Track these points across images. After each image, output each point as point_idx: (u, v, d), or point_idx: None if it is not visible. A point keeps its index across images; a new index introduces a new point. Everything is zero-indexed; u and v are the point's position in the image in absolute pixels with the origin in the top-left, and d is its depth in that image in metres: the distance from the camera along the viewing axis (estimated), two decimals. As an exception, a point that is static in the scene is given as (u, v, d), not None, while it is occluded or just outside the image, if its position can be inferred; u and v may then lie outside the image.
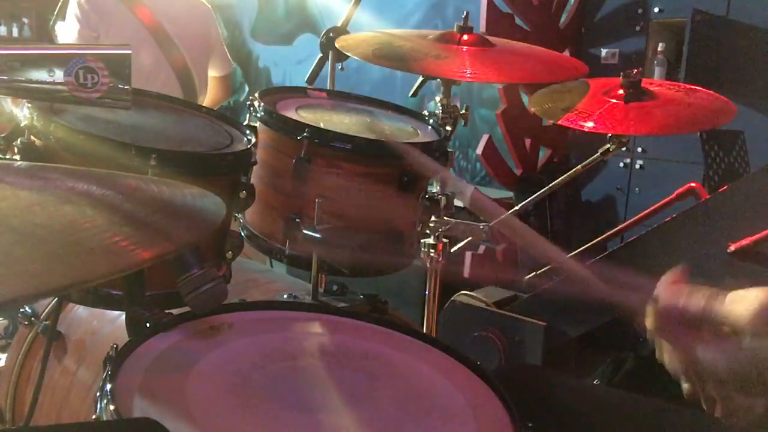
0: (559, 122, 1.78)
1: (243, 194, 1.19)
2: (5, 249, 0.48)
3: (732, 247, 1.83)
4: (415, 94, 1.83)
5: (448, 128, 1.64)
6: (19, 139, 1.08)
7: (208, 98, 2.82)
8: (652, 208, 2.20)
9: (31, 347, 1.47)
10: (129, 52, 1.01)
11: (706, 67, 2.87)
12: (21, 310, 1.50)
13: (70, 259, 0.48)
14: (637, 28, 3.15)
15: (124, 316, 1.03)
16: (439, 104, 1.68)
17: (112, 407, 0.76)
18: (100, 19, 2.32)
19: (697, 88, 1.88)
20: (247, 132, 1.28)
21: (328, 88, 1.75)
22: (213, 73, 2.80)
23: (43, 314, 1.47)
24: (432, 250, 1.71)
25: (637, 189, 3.21)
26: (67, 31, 2.32)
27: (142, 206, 0.62)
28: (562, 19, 3.34)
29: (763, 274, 1.93)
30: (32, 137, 1.08)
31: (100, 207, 0.58)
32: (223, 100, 2.94)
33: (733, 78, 2.79)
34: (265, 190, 1.32)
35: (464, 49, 1.64)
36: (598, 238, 2.33)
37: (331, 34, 1.78)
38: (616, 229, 2.36)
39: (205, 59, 2.67)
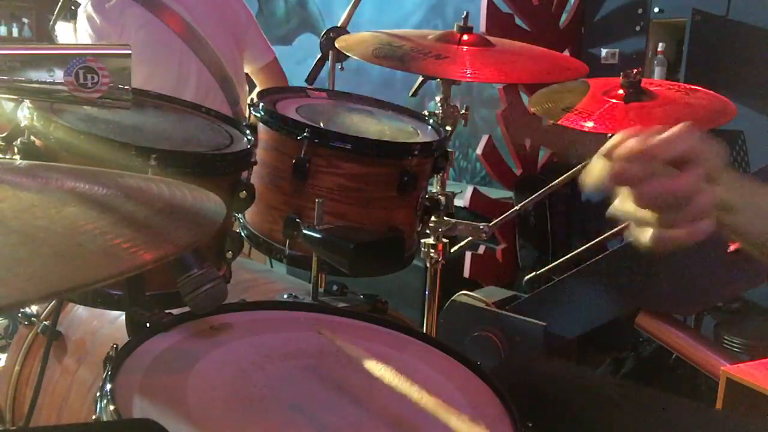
0: (559, 122, 1.78)
1: (243, 194, 1.19)
2: (6, 251, 0.48)
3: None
4: (415, 94, 1.83)
5: (448, 128, 1.64)
6: (19, 139, 1.08)
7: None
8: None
9: (31, 347, 1.47)
10: (129, 52, 1.01)
11: (706, 67, 2.87)
12: (21, 310, 1.50)
13: (72, 262, 0.48)
14: (637, 28, 3.14)
15: (124, 316, 1.03)
16: (439, 104, 1.68)
17: (112, 407, 0.76)
18: (112, 28, 2.18)
19: (697, 88, 1.88)
20: (247, 132, 1.28)
21: (328, 88, 1.75)
22: (250, 66, 2.49)
23: (43, 314, 1.47)
24: (432, 250, 1.71)
25: (637, 189, 3.20)
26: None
27: (143, 207, 0.62)
28: (562, 19, 3.34)
29: (763, 274, 1.94)
30: (32, 137, 1.08)
31: (101, 208, 0.58)
32: None
33: (733, 78, 2.79)
34: (265, 190, 1.32)
35: (464, 49, 1.64)
36: (598, 238, 2.33)
37: (331, 34, 1.79)
38: (616, 229, 2.36)
39: (238, 54, 2.40)
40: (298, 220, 1.29)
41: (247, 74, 2.52)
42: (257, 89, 2.54)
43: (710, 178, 0.74)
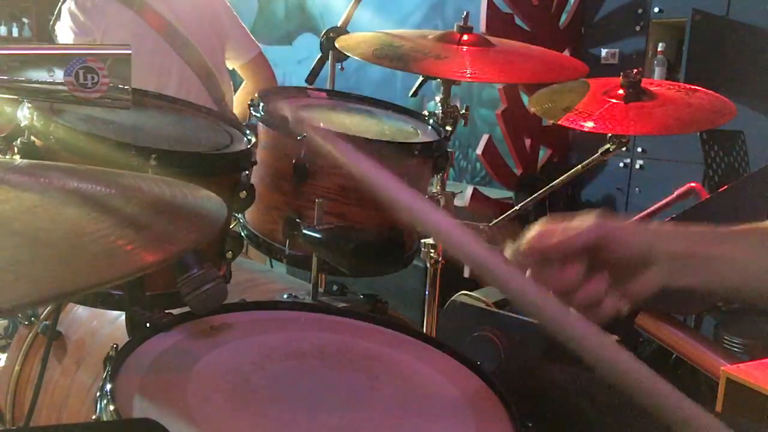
0: (559, 122, 1.78)
1: (243, 194, 1.19)
2: (8, 253, 0.47)
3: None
4: (415, 94, 1.83)
5: (448, 128, 1.64)
6: (19, 139, 1.08)
7: (246, 91, 2.50)
8: (652, 208, 2.20)
9: (31, 347, 1.47)
10: (129, 52, 1.01)
11: (706, 67, 2.87)
12: (21, 310, 1.50)
13: (74, 264, 0.47)
14: (637, 28, 3.15)
15: (124, 316, 1.03)
16: (439, 104, 1.68)
17: (112, 407, 0.76)
18: (95, 25, 2.21)
19: (697, 88, 1.88)
20: (247, 132, 1.28)
21: (328, 88, 1.75)
22: (236, 62, 2.49)
23: (43, 314, 1.47)
24: (432, 250, 1.71)
25: (637, 189, 3.21)
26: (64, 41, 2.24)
27: (144, 208, 0.62)
28: (562, 19, 3.34)
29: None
30: (32, 137, 1.08)
31: (102, 209, 0.58)
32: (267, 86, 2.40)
33: (733, 78, 2.80)
34: (265, 190, 1.32)
35: (464, 49, 1.64)
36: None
37: (331, 34, 1.78)
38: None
39: (219, 50, 2.40)
40: (298, 220, 1.29)
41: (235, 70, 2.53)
42: (245, 83, 2.57)
43: (610, 267, 0.76)
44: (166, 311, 1.01)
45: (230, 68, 2.52)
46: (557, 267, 0.76)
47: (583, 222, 0.77)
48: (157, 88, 1.48)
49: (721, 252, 0.78)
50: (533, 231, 0.78)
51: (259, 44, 2.56)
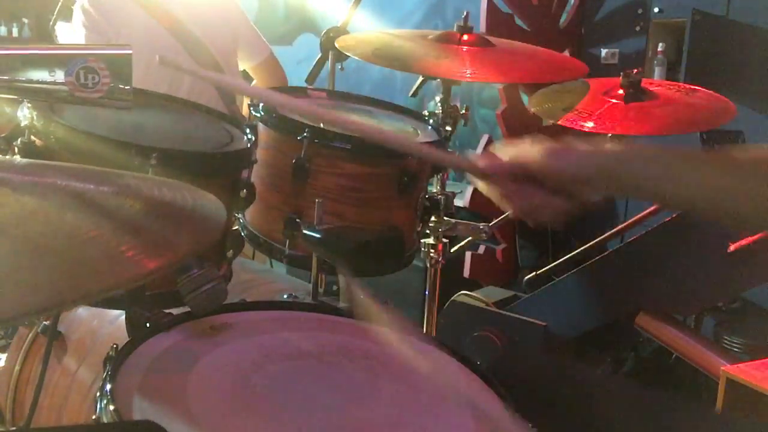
0: (559, 122, 1.78)
1: (243, 193, 1.19)
2: (8, 260, 0.47)
3: (732, 247, 1.83)
4: (415, 94, 1.83)
5: (448, 128, 1.64)
6: (19, 139, 1.08)
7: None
8: (652, 208, 2.20)
9: (31, 347, 1.47)
10: (129, 52, 1.01)
11: (706, 67, 2.87)
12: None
13: (75, 271, 0.46)
14: (637, 28, 3.14)
15: (124, 316, 1.03)
16: (439, 104, 1.68)
17: (112, 407, 0.76)
18: (109, 23, 2.20)
19: (697, 88, 1.89)
20: (247, 131, 1.28)
21: (328, 88, 1.75)
22: (247, 63, 2.46)
23: (43, 314, 1.47)
24: (432, 250, 1.71)
25: (637, 189, 3.20)
26: (75, 39, 2.22)
27: (145, 212, 0.61)
28: (562, 19, 3.34)
29: (763, 274, 1.94)
30: (32, 137, 1.08)
31: (102, 212, 0.57)
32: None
33: (733, 78, 2.79)
34: (265, 190, 1.32)
35: (464, 49, 1.64)
36: (598, 238, 2.33)
37: (331, 34, 1.78)
38: (616, 229, 2.36)
39: (232, 50, 2.38)
40: (298, 220, 1.29)
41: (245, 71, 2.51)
42: (255, 83, 2.55)
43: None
44: (166, 311, 1.01)
45: (240, 69, 2.50)
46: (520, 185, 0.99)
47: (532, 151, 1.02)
48: (169, 90, 1.48)
49: (647, 173, 0.98)
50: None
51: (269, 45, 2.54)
